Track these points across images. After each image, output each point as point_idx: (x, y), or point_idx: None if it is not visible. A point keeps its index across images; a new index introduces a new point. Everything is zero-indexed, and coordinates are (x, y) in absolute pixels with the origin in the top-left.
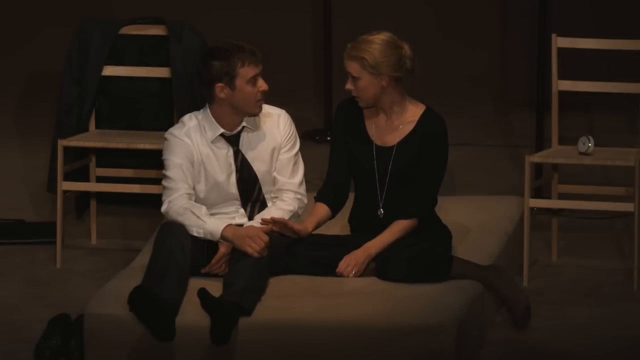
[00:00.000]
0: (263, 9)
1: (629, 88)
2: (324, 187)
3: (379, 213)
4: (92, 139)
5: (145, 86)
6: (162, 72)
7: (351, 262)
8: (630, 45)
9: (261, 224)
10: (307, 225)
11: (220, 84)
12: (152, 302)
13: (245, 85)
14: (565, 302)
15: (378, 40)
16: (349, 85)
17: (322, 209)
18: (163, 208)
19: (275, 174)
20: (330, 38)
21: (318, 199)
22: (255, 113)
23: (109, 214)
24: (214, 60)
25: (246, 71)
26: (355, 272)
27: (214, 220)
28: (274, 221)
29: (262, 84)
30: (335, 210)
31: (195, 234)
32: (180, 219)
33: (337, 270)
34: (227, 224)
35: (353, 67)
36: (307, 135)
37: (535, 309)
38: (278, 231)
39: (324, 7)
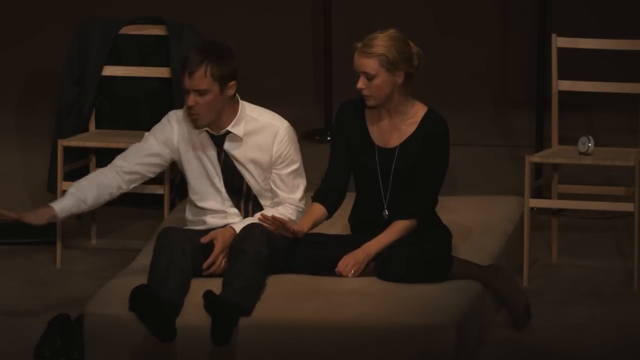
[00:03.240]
0: (263, 9)
1: (629, 88)
2: (322, 187)
3: (384, 214)
4: (92, 139)
5: (145, 86)
6: (162, 72)
7: (350, 261)
8: (630, 45)
9: (260, 220)
10: (303, 226)
11: None
12: (153, 302)
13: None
14: (565, 302)
15: (389, 37)
16: (360, 85)
17: (319, 209)
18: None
19: (274, 187)
20: (330, 38)
21: (315, 199)
22: (193, 127)
23: (108, 214)
24: None
25: (183, 79)
26: (354, 272)
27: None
28: (273, 219)
29: (188, 99)
30: (331, 211)
31: None
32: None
33: (336, 269)
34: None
35: (370, 65)
36: (307, 135)
37: (535, 309)
38: (275, 230)
39: (324, 7)
